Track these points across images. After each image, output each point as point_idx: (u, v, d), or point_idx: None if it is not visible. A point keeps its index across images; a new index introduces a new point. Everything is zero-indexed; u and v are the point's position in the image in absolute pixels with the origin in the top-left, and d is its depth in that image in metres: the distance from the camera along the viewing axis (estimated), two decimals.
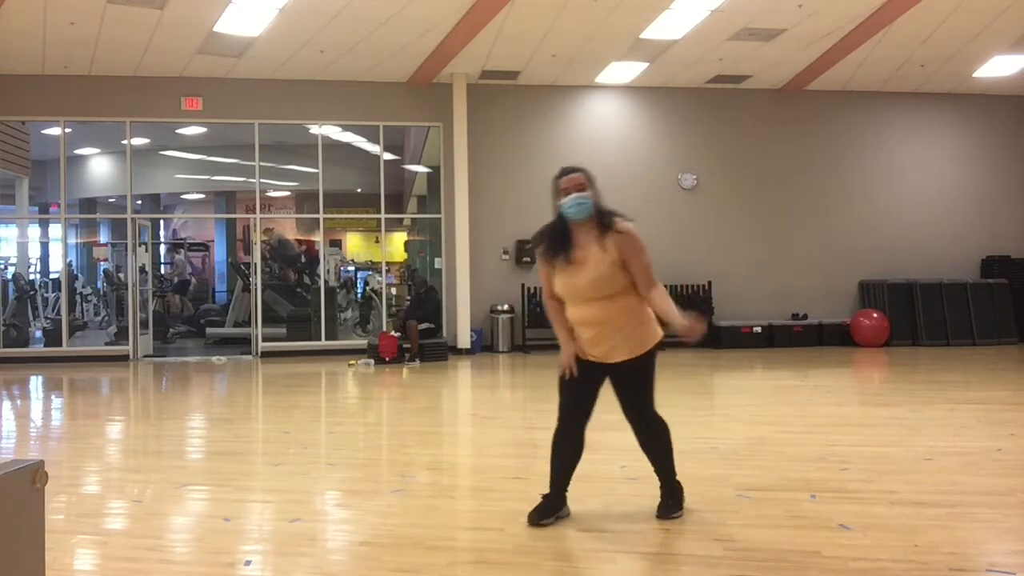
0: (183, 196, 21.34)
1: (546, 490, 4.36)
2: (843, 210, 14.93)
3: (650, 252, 4.21)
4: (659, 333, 4.31)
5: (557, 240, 4.24)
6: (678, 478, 4.47)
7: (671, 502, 4.42)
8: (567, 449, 4.35)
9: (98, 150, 18.24)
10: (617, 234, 4.17)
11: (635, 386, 4.29)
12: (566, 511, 4.38)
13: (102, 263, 19.43)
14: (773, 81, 14.33)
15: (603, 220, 4.21)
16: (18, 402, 9.79)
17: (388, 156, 14.52)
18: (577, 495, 4.75)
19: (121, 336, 14.00)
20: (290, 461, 6.11)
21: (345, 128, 15.00)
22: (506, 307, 13.82)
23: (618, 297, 4.16)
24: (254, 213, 14.45)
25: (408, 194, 17.28)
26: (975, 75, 14.05)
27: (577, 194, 4.17)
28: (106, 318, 16.48)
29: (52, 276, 17.50)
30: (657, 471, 4.48)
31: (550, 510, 4.31)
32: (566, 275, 4.20)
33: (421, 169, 16.16)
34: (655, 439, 4.41)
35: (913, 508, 4.54)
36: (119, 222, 16.13)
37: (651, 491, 4.98)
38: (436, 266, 14.46)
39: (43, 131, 15.09)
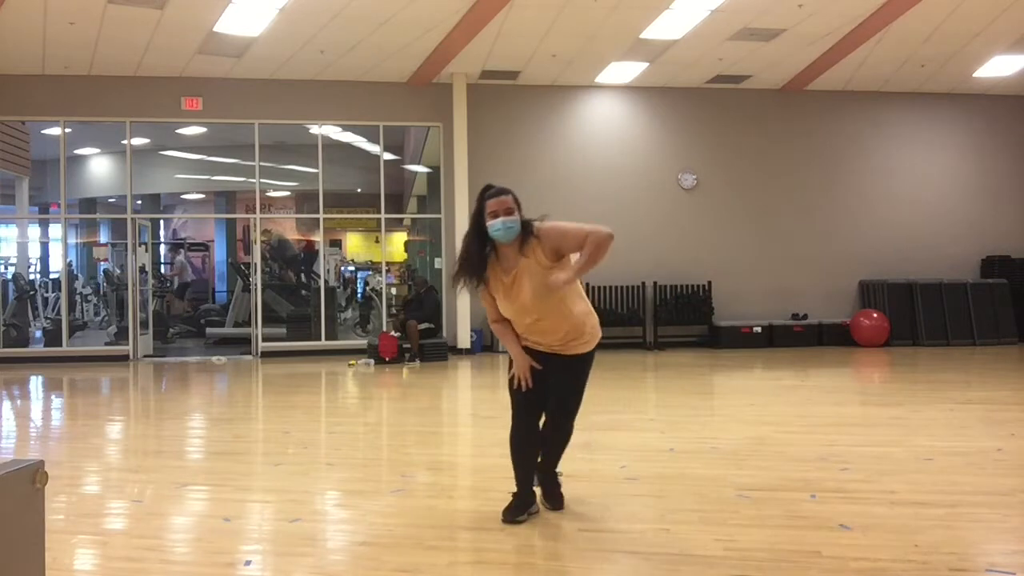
0: (183, 196, 21.34)
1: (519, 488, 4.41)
2: (843, 210, 14.94)
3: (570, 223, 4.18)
4: (598, 334, 4.36)
5: (481, 265, 4.20)
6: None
7: (525, 503, 4.40)
8: (528, 445, 4.39)
9: (98, 150, 18.24)
10: (536, 239, 4.13)
11: (579, 379, 4.35)
12: (536, 507, 4.43)
13: (102, 263, 19.42)
14: (773, 81, 14.33)
15: (524, 234, 4.16)
16: (18, 402, 9.79)
17: (388, 156, 14.52)
18: (577, 495, 4.75)
19: (121, 336, 14.00)
20: (290, 461, 6.11)
21: (345, 128, 15.00)
22: None
23: (563, 297, 4.17)
24: (254, 213, 14.45)
25: (408, 194, 17.28)
26: (975, 75, 14.06)
27: (505, 218, 4.09)
28: (106, 318, 16.48)
29: (52, 276, 17.50)
30: (544, 467, 4.48)
31: (522, 507, 4.35)
32: (507, 298, 4.20)
33: (421, 169, 16.16)
34: (565, 438, 4.46)
35: (913, 508, 4.54)
36: (119, 222, 16.13)
37: (651, 491, 5.00)
38: (436, 266, 14.46)
39: (43, 131, 15.09)
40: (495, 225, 4.10)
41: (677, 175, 14.59)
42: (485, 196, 4.19)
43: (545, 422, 4.40)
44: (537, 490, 4.48)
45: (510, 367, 4.38)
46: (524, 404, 4.35)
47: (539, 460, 4.47)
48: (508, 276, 4.17)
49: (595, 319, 4.35)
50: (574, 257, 4.09)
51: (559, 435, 4.44)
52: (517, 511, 4.33)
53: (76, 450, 6.69)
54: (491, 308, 4.34)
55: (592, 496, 4.78)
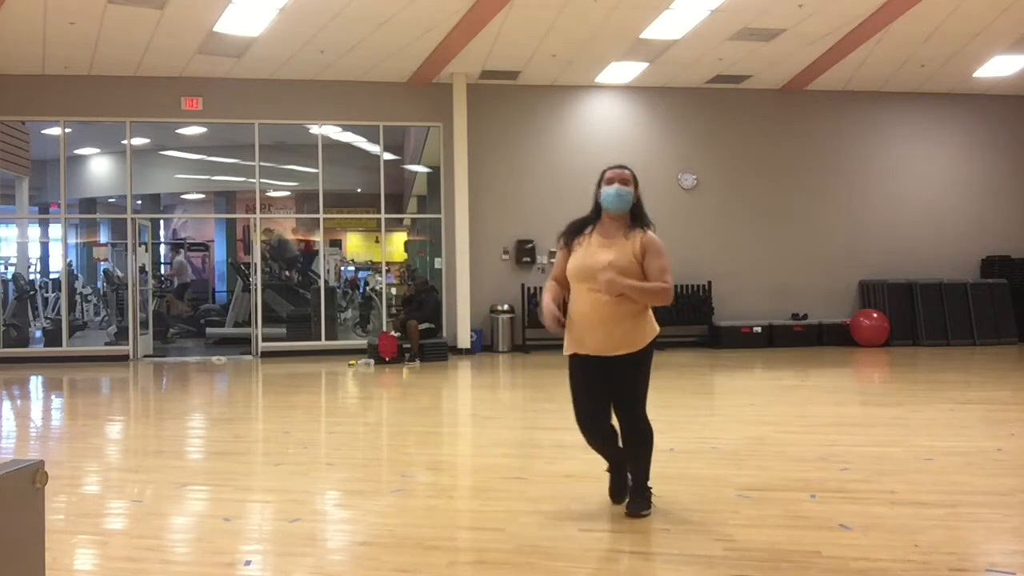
0: (183, 196, 21.34)
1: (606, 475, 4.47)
2: (843, 210, 14.94)
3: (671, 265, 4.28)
4: (656, 328, 4.35)
5: (587, 223, 4.39)
6: (650, 483, 4.48)
7: (639, 500, 4.42)
8: (601, 439, 4.44)
9: (98, 150, 18.24)
10: (644, 234, 4.29)
11: (632, 382, 4.31)
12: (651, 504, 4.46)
13: (102, 263, 19.42)
14: (773, 81, 14.33)
15: (636, 218, 4.34)
16: (18, 402, 9.79)
17: (388, 156, 14.51)
18: (577, 495, 4.75)
19: (121, 336, 14.00)
20: (290, 461, 6.11)
21: (345, 128, 15.00)
22: (506, 307, 13.83)
23: (618, 299, 4.18)
24: (254, 213, 14.45)
25: (408, 194, 17.28)
26: (975, 75, 14.05)
27: (620, 186, 4.29)
28: (106, 318, 16.48)
29: (52, 276, 17.50)
30: (632, 471, 4.47)
31: (623, 486, 4.47)
32: (586, 254, 4.28)
33: (421, 169, 16.16)
34: (642, 439, 4.40)
35: (913, 508, 4.54)
36: (119, 222, 16.13)
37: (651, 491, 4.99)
38: (436, 266, 14.46)
39: (43, 131, 15.08)
40: (609, 191, 4.30)
41: (677, 175, 14.59)
42: (609, 167, 4.44)
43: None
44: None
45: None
46: (589, 411, 4.37)
47: (629, 468, 4.49)
48: (605, 240, 4.29)
49: (646, 324, 4.31)
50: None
51: (631, 436, 4.38)
52: (622, 493, 4.46)
53: (76, 450, 6.69)
54: (560, 265, 4.45)
55: (592, 496, 4.78)
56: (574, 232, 4.39)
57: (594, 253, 4.25)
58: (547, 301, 4.38)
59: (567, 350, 4.38)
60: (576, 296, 4.33)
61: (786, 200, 14.80)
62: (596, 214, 4.38)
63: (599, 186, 4.37)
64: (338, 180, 16.32)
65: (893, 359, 12.59)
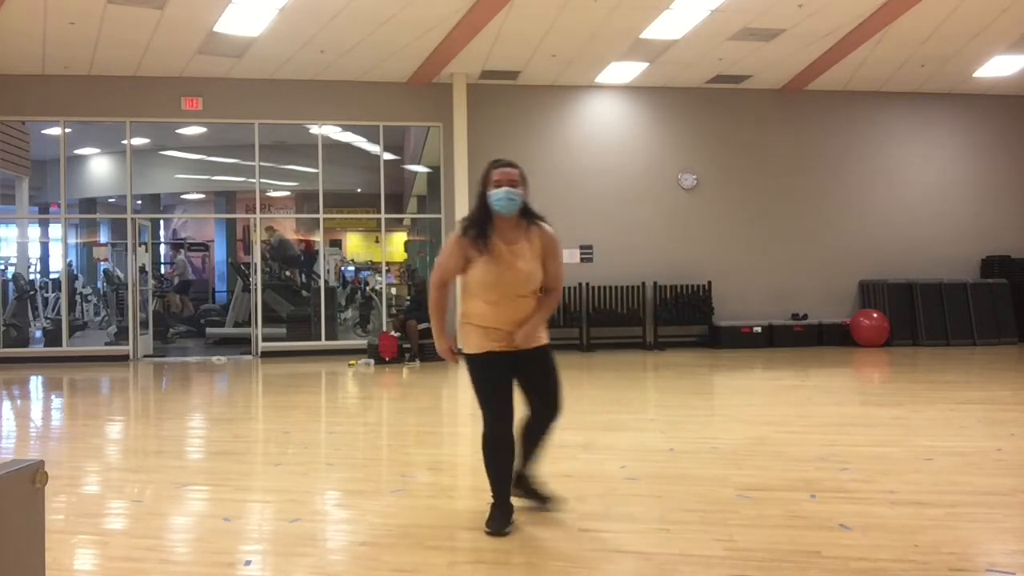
0: (183, 196, 21.34)
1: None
2: (843, 210, 14.93)
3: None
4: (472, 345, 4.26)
5: (488, 228, 4.15)
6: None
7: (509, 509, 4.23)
8: (507, 451, 4.20)
9: (98, 150, 18.24)
10: (541, 231, 4.20)
11: (553, 370, 4.28)
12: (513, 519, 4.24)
13: (102, 263, 19.42)
14: (773, 81, 14.33)
15: (528, 217, 4.23)
16: (18, 402, 9.79)
17: (388, 156, 14.51)
18: (577, 495, 4.75)
19: (121, 336, 14.00)
20: (290, 461, 6.11)
21: (345, 128, 15.00)
22: None
23: (534, 295, 4.20)
24: (254, 213, 14.45)
25: (408, 194, 17.27)
26: (975, 75, 14.05)
27: (509, 188, 4.12)
28: (106, 318, 16.48)
29: (52, 276, 17.49)
30: (525, 462, 4.36)
31: (508, 517, 4.17)
32: (499, 267, 4.11)
33: (421, 169, 16.16)
34: (548, 430, 4.32)
35: (913, 508, 4.54)
36: (119, 222, 16.13)
37: (651, 491, 4.99)
38: None
39: (43, 131, 15.08)
40: (498, 194, 4.12)
41: (677, 175, 14.59)
42: (493, 165, 4.21)
43: (532, 417, 4.30)
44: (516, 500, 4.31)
45: (472, 368, 4.20)
46: (500, 406, 4.13)
47: (523, 459, 4.35)
48: (509, 246, 4.14)
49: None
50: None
51: (547, 425, 4.31)
52: (503, 522, 4.15)
53: (76, 450, 6.69)
54: (450, 270, 4.22)
55: (592, 496, 4.78)
56: (481, 235, 4.14)
57: (510, 264, 4.10)
58: (440, 332, 4.25)
59: (479, 348, 4.18)
60: (496, 305, 4.14)
61: (786, 200, 14.79)
62: (484, 213, 4.17)
63: (484, 184, 4.18)
64: (338, 180, 16.32)
65: (893, 359, 12.59)
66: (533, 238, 4.18)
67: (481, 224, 4.16)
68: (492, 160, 4.27)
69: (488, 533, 4.10)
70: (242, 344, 14.27)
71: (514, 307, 4.15)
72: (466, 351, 4.22)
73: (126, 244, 14.14)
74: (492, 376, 4.15)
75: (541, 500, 4.45)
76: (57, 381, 11.19)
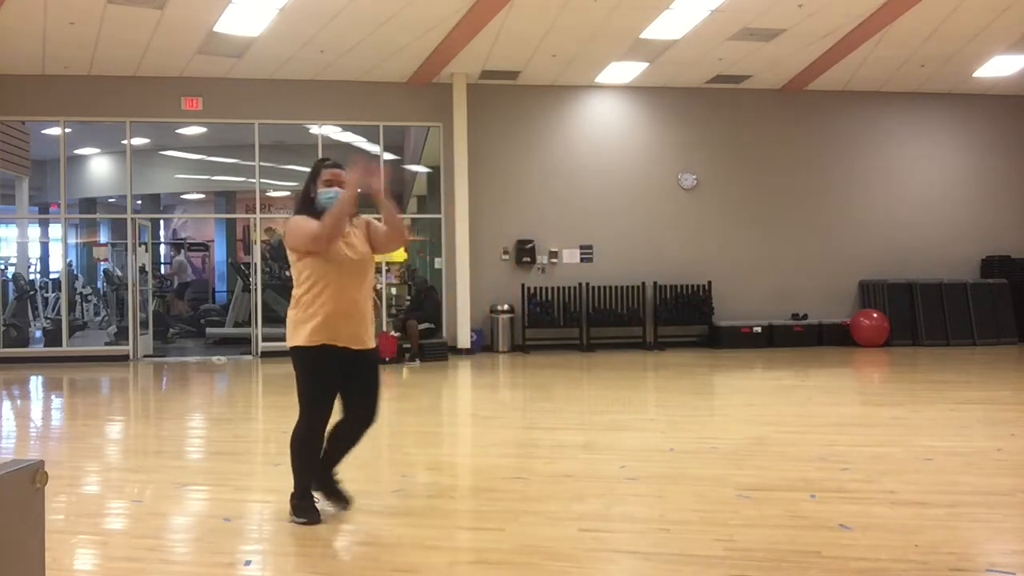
0: (183, 196, 21.33)
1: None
2: (843, 210, 14.93)
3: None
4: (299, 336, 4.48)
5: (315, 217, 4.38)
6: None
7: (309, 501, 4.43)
8: (318, 445, 4.46)
9: (98, 150, 18.23)
10: (359, 218, 4.47)
11: (377, 374, 4.58)
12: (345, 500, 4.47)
13: (102, 263, 19.42)
14: (773, 81, 14.33)
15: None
16: (18, 402, 9.79)
17: (388, 156, 14.51)
18: (577, 495, 4.75)
19: (121, 336, 13.99)
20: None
21: (345, 128, 14.99)
22: (506, 307, 13.82)
23: (369, 283, 4.45)
24: (254, 213, 14.45)
25: (408, 194, 17.26)
26: (975, 75, 14.05)
27: (339, 189, 4.34)
28: (106, 318, 16.48)
29: (52, 276, 17.49)
30: (330, 464, 4.54)
31: (313, 508, 4.38)
32: (349, 247, 4.36)
33: (421, 169, 16.16)
34: (362, 434, 4.57)
35: (913, 508, 4.54)
36: (119, 222, 16.13)
37: (651, 491, 4.99)
38: (436, 266, 14.45)
39: (43, 131, 15.08)
40: (329, 193, 4.33)
41: (677, 175, 14.59)
42: (323, 165, 4.44)
43: (348, 419, 4.56)
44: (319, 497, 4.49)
45: (307, 371, 4.44)
46: (324, 400, 4.45)
47: (328, 458, 4.54)
48: (352, 229, 4.40)
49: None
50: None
51: (362, 428, 4.59)
52: (313, 510, 4.36)
53: (76, 450, 6.69)
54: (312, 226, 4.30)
55: (592, 496, 4.78)
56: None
57: (348, 247, 4.34)
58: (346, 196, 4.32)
59: (312, 341, 4.32)
60: (341, 288, 4.30)
61: (786, 200, 14.79)
62: (311, 210, 4.36)
63: (314, 182, 4.39)
64: None
65: (893, 359, 12.59)
66: (357, 228, 4.44)
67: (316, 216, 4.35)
68: (320, 159, 4.53)
69: (307, 523, 4.26)
70: (242, 344, 14.27)
71: (354, 293, 4.37)
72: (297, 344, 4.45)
73: (126, 244, 14.13)
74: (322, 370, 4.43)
75: (343, 501, 4.53)
76: (57, 381, 11.19)
